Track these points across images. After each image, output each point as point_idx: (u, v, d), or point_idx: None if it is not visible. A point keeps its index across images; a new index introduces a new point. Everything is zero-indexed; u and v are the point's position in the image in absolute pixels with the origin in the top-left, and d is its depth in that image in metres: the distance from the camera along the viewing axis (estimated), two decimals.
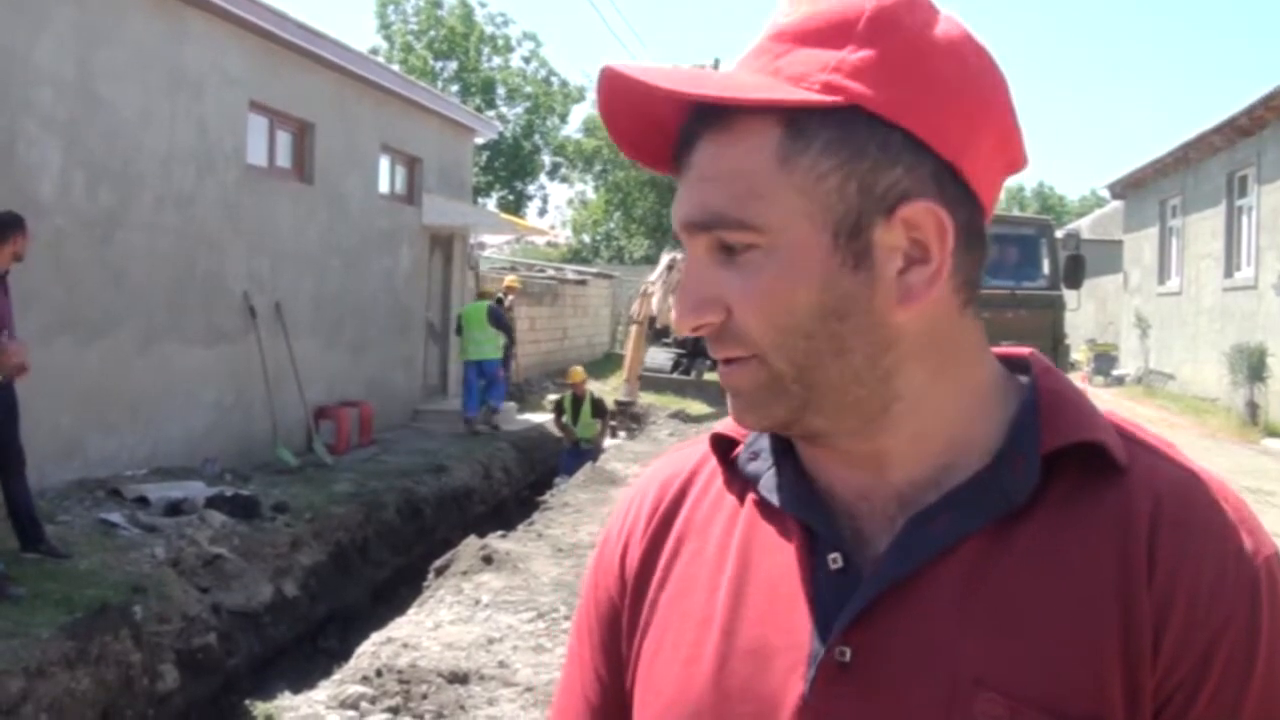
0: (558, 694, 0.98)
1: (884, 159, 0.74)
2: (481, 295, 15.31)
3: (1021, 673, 0.72)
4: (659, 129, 0.80)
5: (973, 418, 0.80)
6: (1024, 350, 0.86)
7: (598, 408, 12.67)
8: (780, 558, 0.81)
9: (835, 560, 0.78)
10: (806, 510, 0.81)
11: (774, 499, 0.83)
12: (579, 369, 13.17)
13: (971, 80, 0.76)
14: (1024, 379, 0.83)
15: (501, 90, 35.28)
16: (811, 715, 0.75)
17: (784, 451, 0.85)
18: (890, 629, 0.75)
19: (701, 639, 0.82)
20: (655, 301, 14.71)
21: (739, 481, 0.87)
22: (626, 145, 0.82)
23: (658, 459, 0.99)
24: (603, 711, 0.92)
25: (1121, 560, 0.73)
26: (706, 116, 0.76)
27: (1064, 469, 0.77)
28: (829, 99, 0.73)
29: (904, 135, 0.74)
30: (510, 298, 16.98)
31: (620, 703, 0.89)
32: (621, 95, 0.77)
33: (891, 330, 0.76)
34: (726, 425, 0.89)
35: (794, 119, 0.74)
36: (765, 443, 0.86)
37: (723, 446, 0.90)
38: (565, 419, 12.62)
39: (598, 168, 39.10)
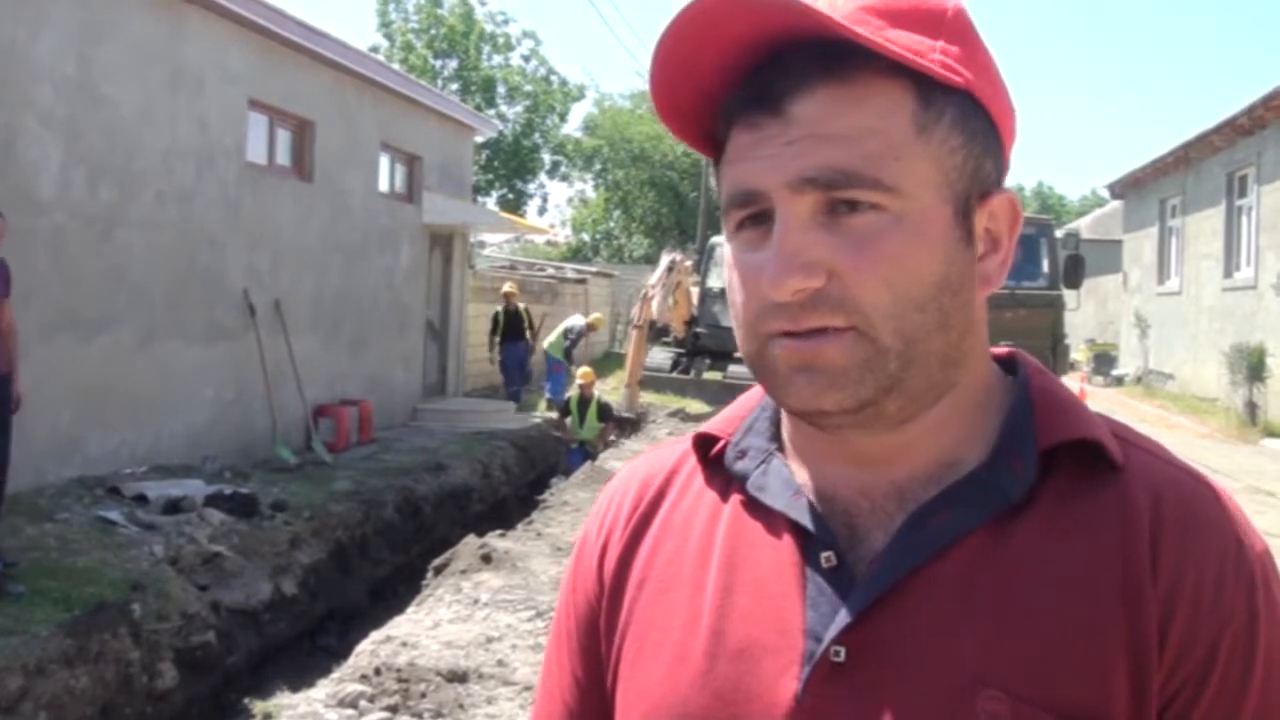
0: (537, 699, 0.96)
1: (987, 147, 0.77)
2: (591, 325, 17.55)
3: (1023, 670, 0.72)
4: (704, 94, 0.77)
5: (975, 414, 0.80)
6: (1005, 350, 0.86)
7: (603, 412, 12.64)
8: (769, 556, 0.80)
9: (829, 559, 0.77)
10: (799, 508, 0.80)
11: (764, 497, 0.82)
12: (588, 369, 13.14)
13: (1009, 93, 0.81)
14: (1012, 378, 0.84)
15: (501, 88, 35.27)
16: (805, 716, 0.75)
17: (774, 450, 0.84)
18: (887, 628, 0.74)
19: (688, 639, 0.81)
20: (655, 304, 14.66)
21: (721, 480, 0.86)
22: (667, 106, 0.78)
23: (632, 459, 0.98)
24: (581, 716, 0.91)
25: (1124, 558, 0.73)
26: (812, 70, 0.73)
27: (1059, 467, 0.77)
28: (956, 78, 0.75)
29: (995, 129, 0.78)
30: (519, 303, 16.80)
31: (601, 706, 0.88)
32: (700, 30, 0.73)
33: (975, 313, 0.79)
34: (710, 425, 0.89)
35: (923, 89, 0.74)
36: (753, 441, 0.86)
37: (704, 446, 0.89)
38: (571, 419, 12.60)
39: (597, 166, 39.12)
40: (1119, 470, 0.76)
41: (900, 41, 0.73)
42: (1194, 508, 0.76)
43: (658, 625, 0.84)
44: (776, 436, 0.86)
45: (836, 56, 0.72)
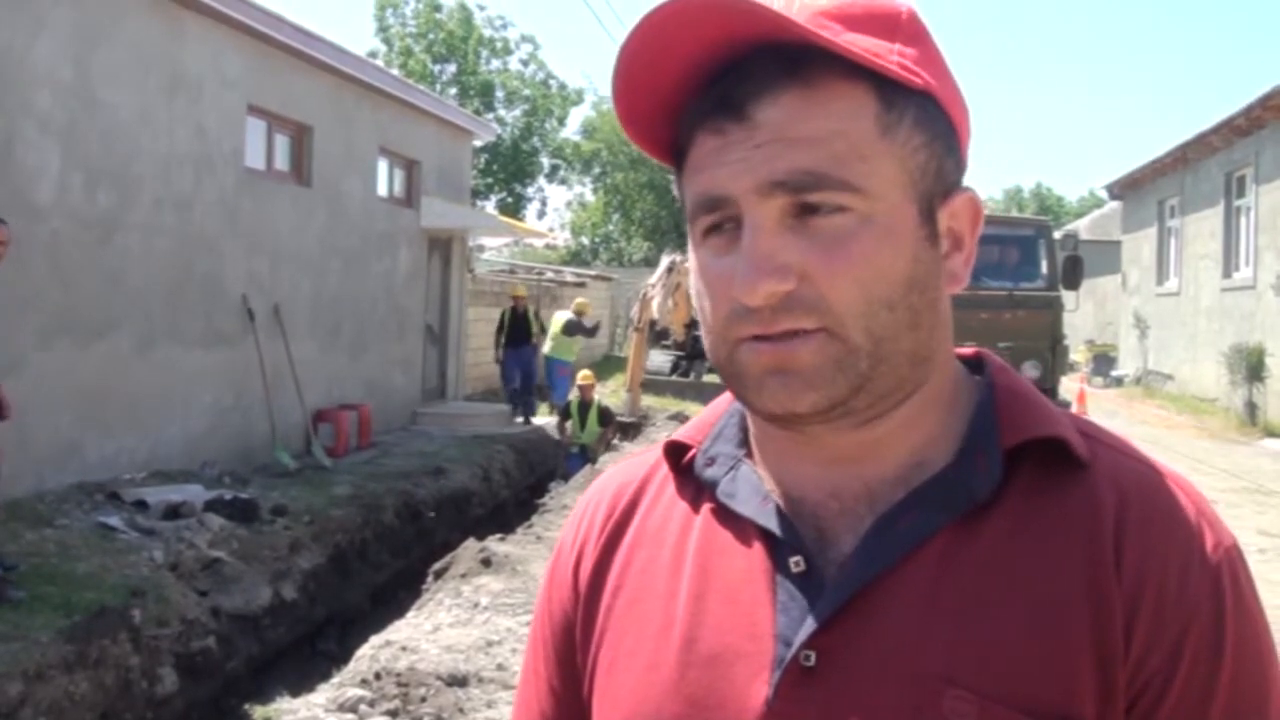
0: (514, 709, 0.97)
1: (948, 147, 0.78)
2: (579, 312, 16.91)
3: (990, 669, 0.72)
4: (664, 101, 0.77)
5: (943, 414, 0.81)
6: (970, 350, 0.86)
7: (604, 416, 12.64)
8: (740, 563, 0.81)
9: (797, 564, 0.77)
10: (767, 514, 0.80)
11: (733, 504, 0.82)
12: (588, 373, 13.15)
13: (963, 93, 0.82)
14: (978, 378, 0.84)
15: (500, 93, 35.30)
16: None
17: (742, 456, 0.85)
18: (855, 630, 0.74)
19: (661, 646, 0.81)
20: (655, 305, 14.65)
21: (693, 487, 0.87)
22: (628, 112, 0.78)
23: (608, 468, 0.98)
24: None
25: (1089, 555, 0.74)
26: (776, 74, 0.73)
27: (1025, 466, 0.77)
28: (915, 80, 0.75)
29: (954, 130, 0.79)
30: (528, 305, 16.70)
31: (577, 714, 0.89)
32: (666, 34, 0.73)
33: (943, 311, 0.79)
34: (681, 432, 0.90)
35: (885, 91, 0.74)
36: (722, 448, 0.86)
37: (675, 453, 0.89)
38: (571, 423, 12.60)
39: (596, 170, 39.14)
40: (1085, 467, 0.77)
41: (858, 45, 0.73)
42: (1159, 503, 0.76)
43: (632, 633, 0.84)
44: (745, 442, 0.86)
45: (798, 61, 0.72)
